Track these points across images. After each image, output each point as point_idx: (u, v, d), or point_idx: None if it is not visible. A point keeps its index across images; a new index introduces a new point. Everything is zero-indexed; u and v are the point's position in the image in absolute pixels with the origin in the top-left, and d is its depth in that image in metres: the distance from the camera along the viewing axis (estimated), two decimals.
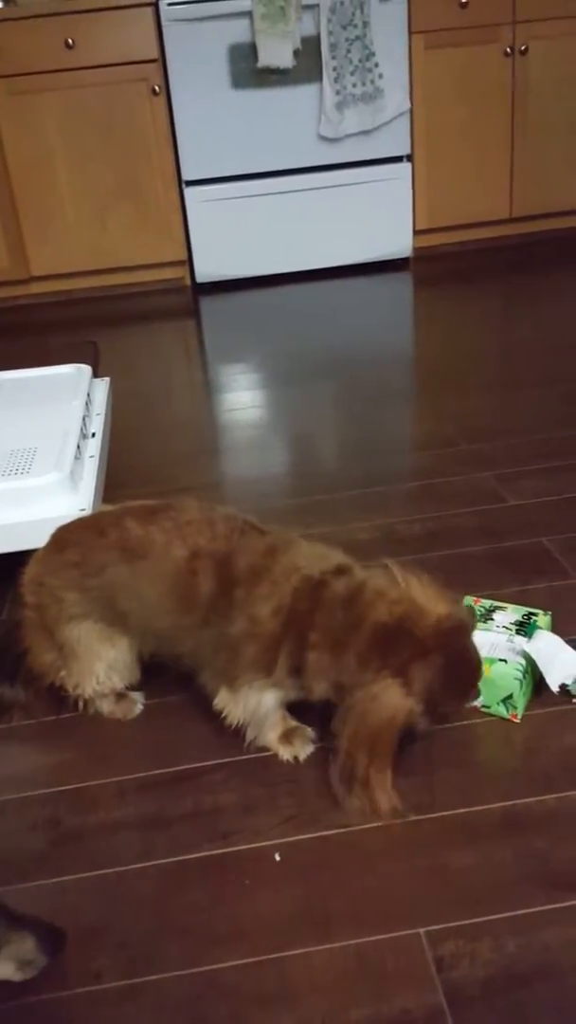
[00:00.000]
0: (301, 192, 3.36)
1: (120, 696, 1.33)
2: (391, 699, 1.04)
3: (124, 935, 1.01)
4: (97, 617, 1.23)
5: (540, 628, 1.29)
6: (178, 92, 3.18)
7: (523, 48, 3.27)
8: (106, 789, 1.21)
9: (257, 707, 1.16)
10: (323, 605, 1.08)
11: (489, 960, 0.94)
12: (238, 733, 1.24)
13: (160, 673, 1.33)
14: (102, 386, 2.00)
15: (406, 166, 3.38)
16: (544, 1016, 0.89)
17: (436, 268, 3.48)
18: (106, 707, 1.33)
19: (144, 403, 2.50)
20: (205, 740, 1.27)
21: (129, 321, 3.26)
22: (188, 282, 3.56)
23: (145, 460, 2.15)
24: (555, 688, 1.25)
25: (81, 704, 1.32)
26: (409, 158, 3.38)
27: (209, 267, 3.45)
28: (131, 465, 2.12)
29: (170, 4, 3.05)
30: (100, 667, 1.26)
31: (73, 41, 3.09)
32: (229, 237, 3.41)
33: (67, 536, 1.26)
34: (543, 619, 1.32)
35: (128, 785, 1.21)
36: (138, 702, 1.34)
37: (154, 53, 3.15)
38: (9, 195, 3.27)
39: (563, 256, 3.44)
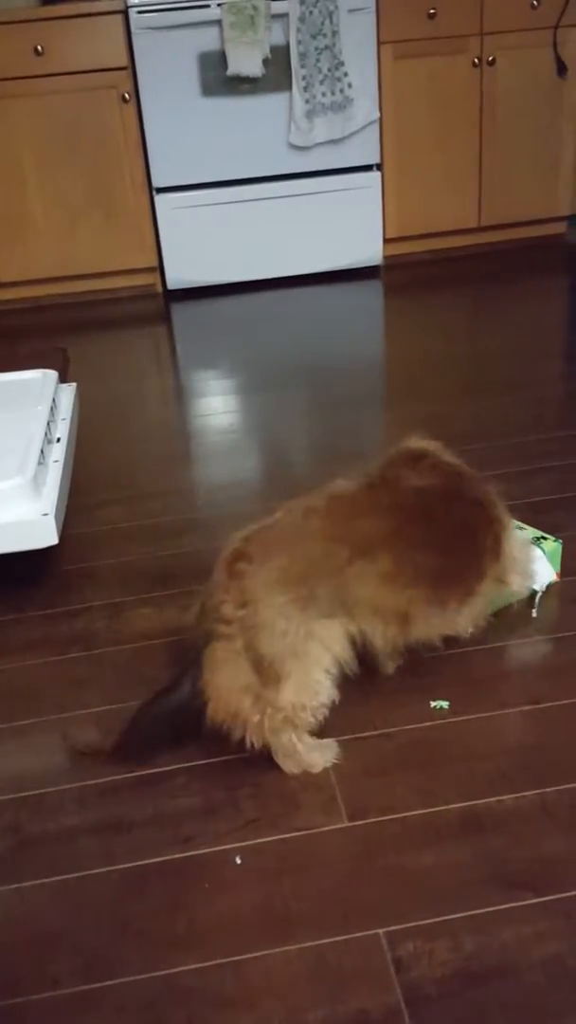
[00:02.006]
0: (271, 200, 3.37)
1: (314, 743, 1.20)
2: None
3: (82, 940, 1.00)
4: (322, 613, 1.13)
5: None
6: (148, 100, 3.19)
7: (491, 59, 3.30)
8: (67, 795, 1.20)
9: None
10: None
11: (447, 960, 0.95)
12: (199, 737, 1.24)
13: (126, 686, 1.31)
14: (68, 391, 1.99)
15: (375, 175, 3.40)
16: (501, 1015, 0.89)
17: (406, 276, 3.50)
18: (306, 758, 1.18)
19: (115, 409, 2.49)
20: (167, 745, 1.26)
21: (100, 328, 3.25)
22: (159, 289, 3.56)
23: (115, 466, 2.14)
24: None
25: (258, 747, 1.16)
26: (379, 167, 3.40)
27: (180, 274, 3.45)
28: (100, 471, 2.11)
29: (140, 12, 3.06)
30: (319, 675, 1.14)
31: (42, 48, 3.09)
32: (200, 244, 3.41)
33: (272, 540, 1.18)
34: (549, 544, 1.50)
35: (89, 791, 1.20)
36: (334, 745, 1.22)
37: (124, 61, 3.15)
38: None
39: (531, 264, 3.47)
